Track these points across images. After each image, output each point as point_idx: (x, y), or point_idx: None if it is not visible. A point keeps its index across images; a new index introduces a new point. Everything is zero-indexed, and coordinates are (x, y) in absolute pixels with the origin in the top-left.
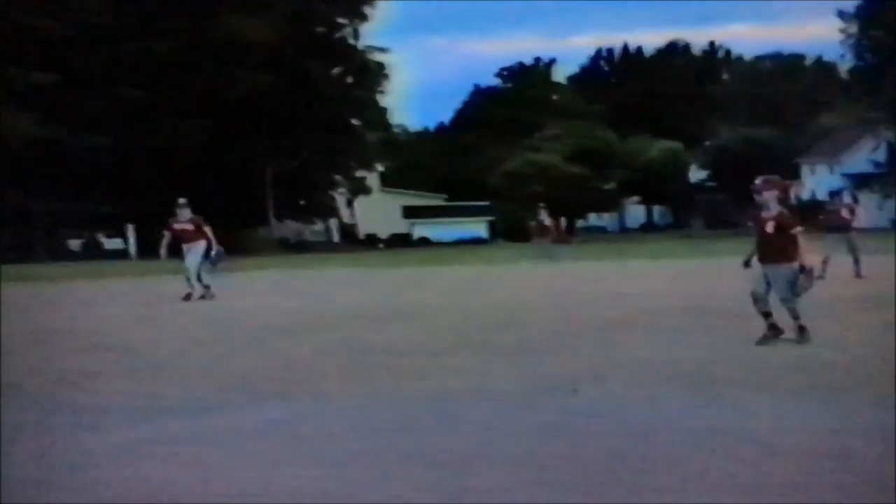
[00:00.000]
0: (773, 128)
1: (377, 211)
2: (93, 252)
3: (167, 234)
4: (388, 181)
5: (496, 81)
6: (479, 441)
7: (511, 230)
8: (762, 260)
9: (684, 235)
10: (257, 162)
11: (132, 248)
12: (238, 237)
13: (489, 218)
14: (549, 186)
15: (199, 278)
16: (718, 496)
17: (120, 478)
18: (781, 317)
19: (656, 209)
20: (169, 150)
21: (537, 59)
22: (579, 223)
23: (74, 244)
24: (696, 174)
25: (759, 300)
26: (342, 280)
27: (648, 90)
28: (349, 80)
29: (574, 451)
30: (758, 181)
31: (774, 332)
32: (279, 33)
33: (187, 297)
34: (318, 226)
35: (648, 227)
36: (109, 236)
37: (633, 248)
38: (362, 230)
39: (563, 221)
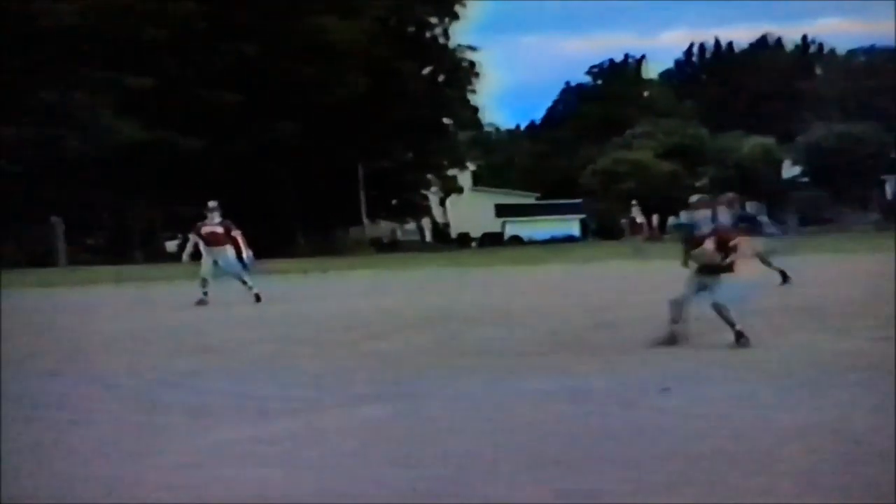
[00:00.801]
0: (868, 123)
1: (469, 210)
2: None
3: (193, 238)
4: (479, 180)
5: (587, 79)
6: (575, 441)
7: (603, 228)
8: (700, 271)
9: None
10: (350, 162)
11: None
12: (331, 237)
13: (581, 216)
14: (641, 184)
15: (243, 282)
16: (816, 496)
17: (223, 477)
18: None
19: (749, 206)
20: (264, 153)
21: (627, 56)
22: (671, 221)
23: (170, 245)
24: (789, 170)
25: (677, 306)
26: (435, 279)
27: (740, 86)
28: (440, 79)
29: (670, 451)
30: (692, 200)
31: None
32: (371, 34)
33: (201, 303)
34: (411, 225)
35: None
36: None
37: None
38: (454, 229)
39: (654, 219)
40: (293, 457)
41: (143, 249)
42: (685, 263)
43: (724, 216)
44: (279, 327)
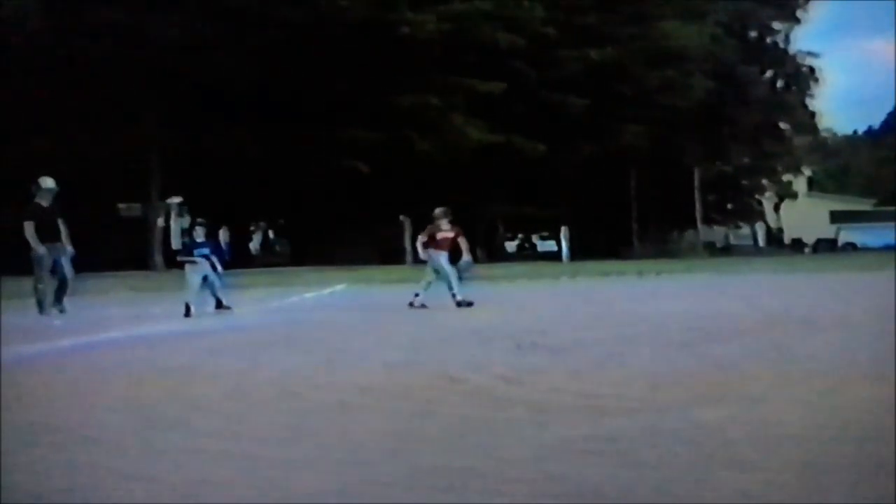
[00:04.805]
0: None
1: (803, 215)
2: (527, 253)
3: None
4: (814, 185)
5: None
6: None
7: None
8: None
9: None
10: (687, 166)
11: (565, 251)
12: (665, 241)
13: None
14: None
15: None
16: None
17: (562, 473)
18: None
19: None
20: (607, 157)
21: None
22: None
23: (510, 246)
24: None
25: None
26: (769, 284)
27: None
28: (779, 84)
29: None
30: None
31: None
32: (715, 39)
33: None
34: (744, 230)
35: None
36: (543, 238)
37: None
38: (788, 234)
39: None
40: (631, 457)
41: (484, 248)
42: None
43: None
44: (615, 327)
